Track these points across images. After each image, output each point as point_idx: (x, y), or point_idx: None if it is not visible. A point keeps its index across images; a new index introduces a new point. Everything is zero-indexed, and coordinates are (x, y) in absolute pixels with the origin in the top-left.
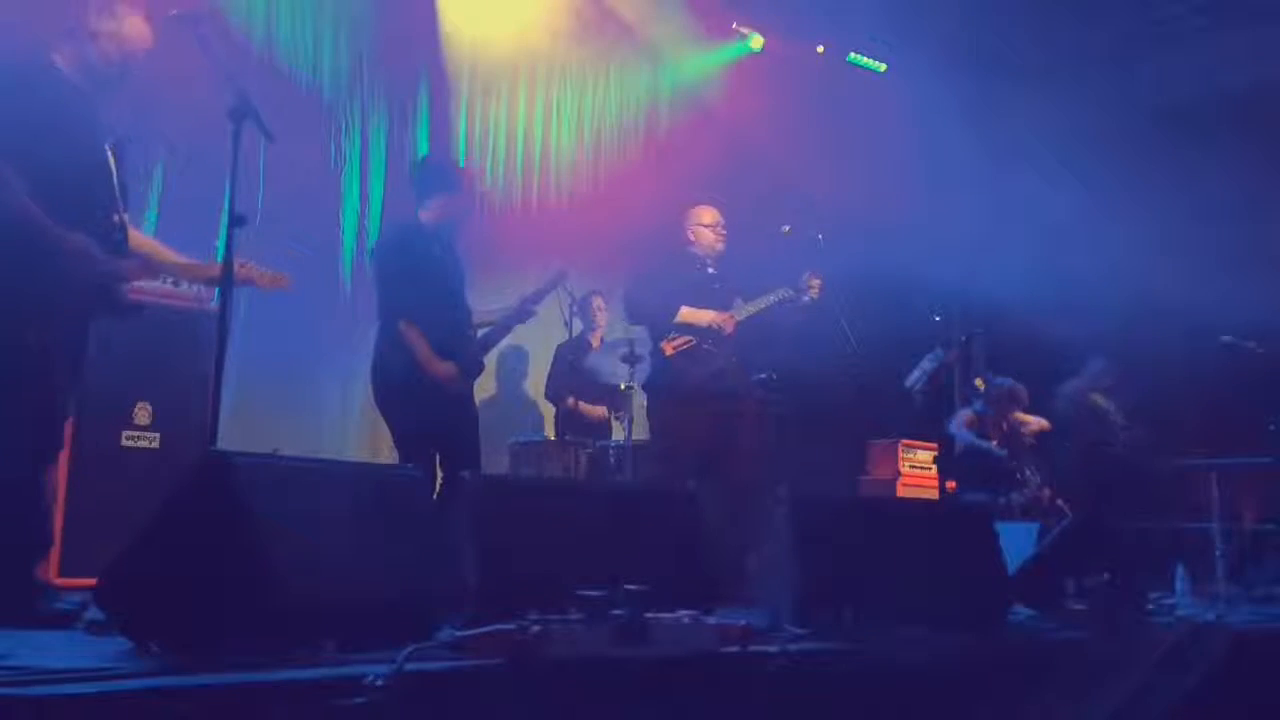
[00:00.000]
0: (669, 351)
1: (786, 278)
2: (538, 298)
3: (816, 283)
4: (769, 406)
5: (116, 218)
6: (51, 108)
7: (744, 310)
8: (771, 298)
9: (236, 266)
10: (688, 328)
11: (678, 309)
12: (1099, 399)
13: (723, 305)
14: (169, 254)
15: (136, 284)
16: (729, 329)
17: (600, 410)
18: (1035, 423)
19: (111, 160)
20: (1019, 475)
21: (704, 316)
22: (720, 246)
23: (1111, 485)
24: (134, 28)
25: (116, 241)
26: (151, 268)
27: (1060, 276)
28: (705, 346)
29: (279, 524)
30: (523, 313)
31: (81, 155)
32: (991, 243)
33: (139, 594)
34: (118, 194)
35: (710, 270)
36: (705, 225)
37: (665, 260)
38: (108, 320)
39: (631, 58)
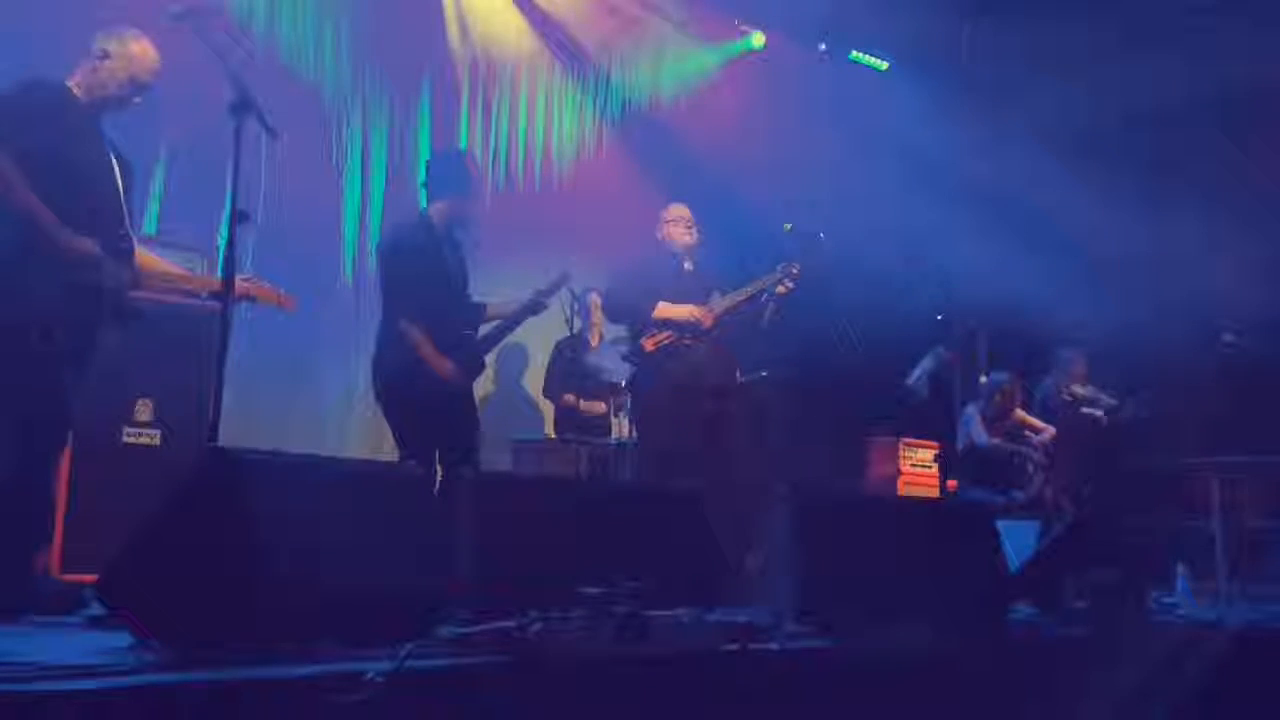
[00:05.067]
0: (649, 348)
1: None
2: (550, 290)
3: (788, 277)
4: (758, 401)
5: (123, 231)
6: (65, 131)
7: (721, 304)
8: (749, 289)
9: (241, 281)
10: (666, 323)
11: (654, 306)
12: (1079, 389)
13: (700, 300)
14: (170, 268)
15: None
16: (707, 323)
17: (599, 406)
18: (1048, 433)
19: (119, 180)
20: (1023, 474)
21: (681, 311)
22: (691, 240)
23: (1112, 484)
24: (141, 50)
25: (122, 255)
26: (141, 282)
27: (1061, 274)
28: (685, 341)
29: (279, 521)
30: (535, 305)
31: (93, 177)
32: (991, 241)
33: (140, 590)
34: (125, 213)
35: (686, 265)
36: (672, 221)
37: (640, 258)
38: (113, 326)
39: (633, 55)
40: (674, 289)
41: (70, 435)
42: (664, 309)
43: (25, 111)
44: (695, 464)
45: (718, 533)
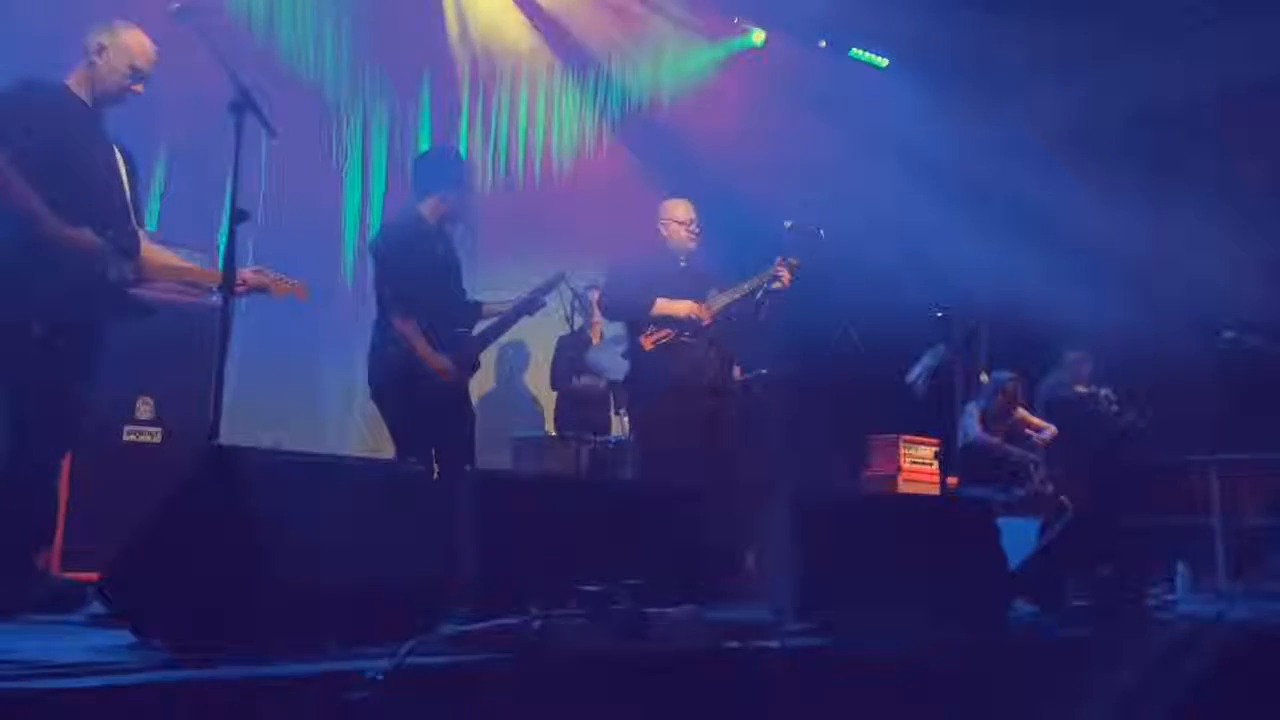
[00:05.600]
0: (648, 346)
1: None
2: (545, 290)
3: (784, 272)
4: (757, 399)
5: (129, 227)
6: (66, 129)
7: (719, 300)
8: (745, 286)
9: (252, 272)
10: (664, 320)
11: (652, 302)
12: (1081, 389)
13: (698, 297)
14: (177, 262)
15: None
16: (705, 320)
17: (603, 383)
18: (1049, 432)
19: (124, 172)
20: (1023, 471)
21: (680, 308)
22: (692, 245)
23: (1110, 479)
24: (134, 41)
25: (126, 248)
26: (146, 274)
27: (1062, 273)
28: (683, 339)
29: (280, 518)
30: (532, 303)
31: (97, 174)
32: (992, 239)
33: (142, 588)
34: (130, 206)
35: (682, 263)
36: (679, 222)
37: (639, 254)
38: (118, 322)
39: (633, 53)
40: (672, 286)
41: (77, 434)
42: (663, 305)
43: (24, 111)
44: (694, 462)
45: (718, 531)
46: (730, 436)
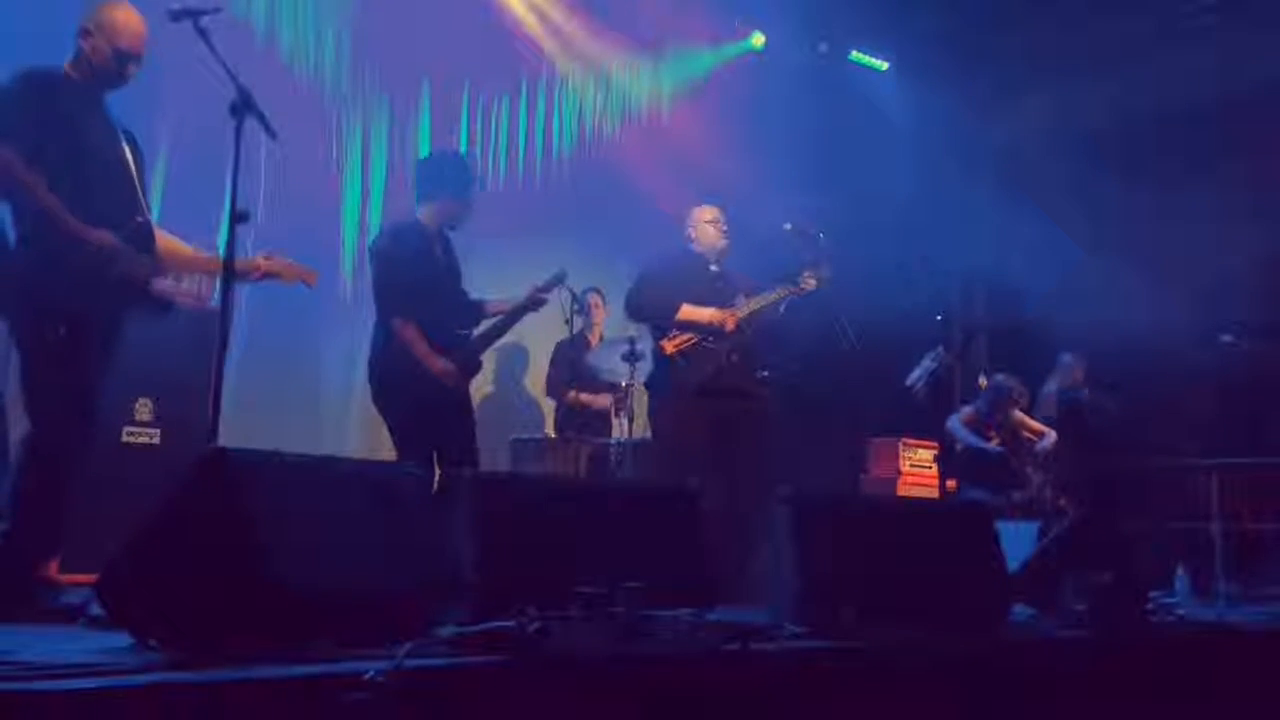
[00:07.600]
0: (669, 350)
1: (788, 275)
2: (547, 288)
3: (812, 282)
4: (770, 404)
5: (140, 218)
6: (70, 116)
7: (746, 307)
8: (773, 294)
9: (264, 258)
10: (688, 325)
11: (678, 307)
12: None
13: (725, 303)
14: (189, 251)
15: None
16: (730, 326)
17: (603, 399)
18: (1049, 439)
19: (130, 159)
20: (1020, 474)
21: (704, 314)
22: (723, 243)
23: (1111, 484)
24: (122, 20)
25: (142, 241)
26: (162, 267)
27: (1061, 275)
28: (706, 344)
29: (279, 520)
30: (534, 301)
31: (106, 161)
32: (993, 240)
33: (139, 590)
34: (139, 194)
35: (713, 268)
36: (707, 222)
37: (667, 259)
38: (140, 317)
39: (633, 55)
40: (700, 291)
41: (92, 435)
42: (688, 311)
43: (30, 103)
44: (707, 465)
45: (720, 532)
46: (751, 439)
